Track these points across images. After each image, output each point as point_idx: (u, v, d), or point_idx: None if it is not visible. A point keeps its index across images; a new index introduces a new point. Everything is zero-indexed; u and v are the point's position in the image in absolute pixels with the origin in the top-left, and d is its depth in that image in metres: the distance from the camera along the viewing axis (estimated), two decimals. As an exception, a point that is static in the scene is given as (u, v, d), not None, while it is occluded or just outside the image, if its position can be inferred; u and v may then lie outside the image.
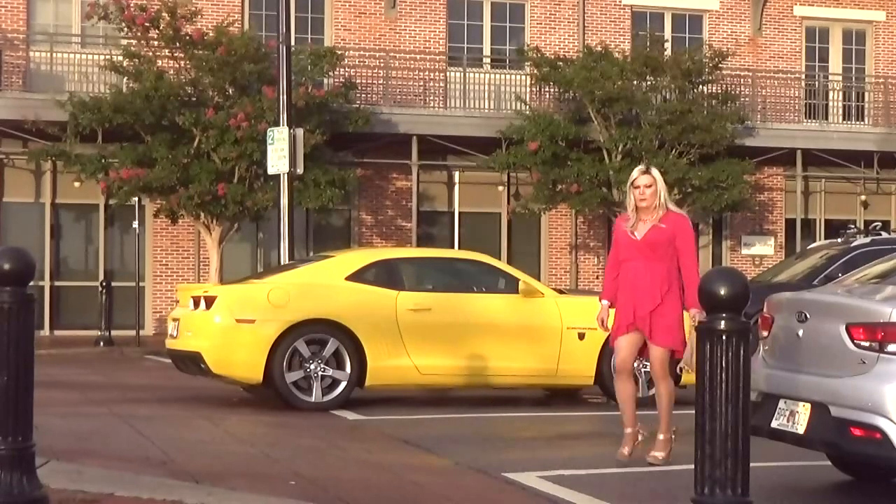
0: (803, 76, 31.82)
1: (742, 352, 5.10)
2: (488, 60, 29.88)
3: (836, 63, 32.26)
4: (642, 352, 9.43)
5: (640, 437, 9.37)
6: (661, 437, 9.32)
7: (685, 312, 9.35)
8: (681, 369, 10.70)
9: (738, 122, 28.11)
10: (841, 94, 31.92)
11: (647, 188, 9.23)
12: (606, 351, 13.75)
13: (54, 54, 26.52)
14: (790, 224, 30.74)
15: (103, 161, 24.47)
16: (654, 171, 9.32)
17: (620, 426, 9.54)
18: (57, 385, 14.95)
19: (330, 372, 13.07)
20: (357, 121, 25.98)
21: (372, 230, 29.04)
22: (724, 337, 5.08)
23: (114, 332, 24.11)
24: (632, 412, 9.41)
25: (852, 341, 7.40)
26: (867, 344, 7.31)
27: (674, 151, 27.09)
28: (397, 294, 13.49)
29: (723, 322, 5.09)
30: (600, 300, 9.60)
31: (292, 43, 21.37)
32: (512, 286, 13.92)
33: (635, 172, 9.38)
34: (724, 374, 5.07)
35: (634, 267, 9.25)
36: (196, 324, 13.40)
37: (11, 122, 25.28)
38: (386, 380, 13.37)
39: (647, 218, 9.27)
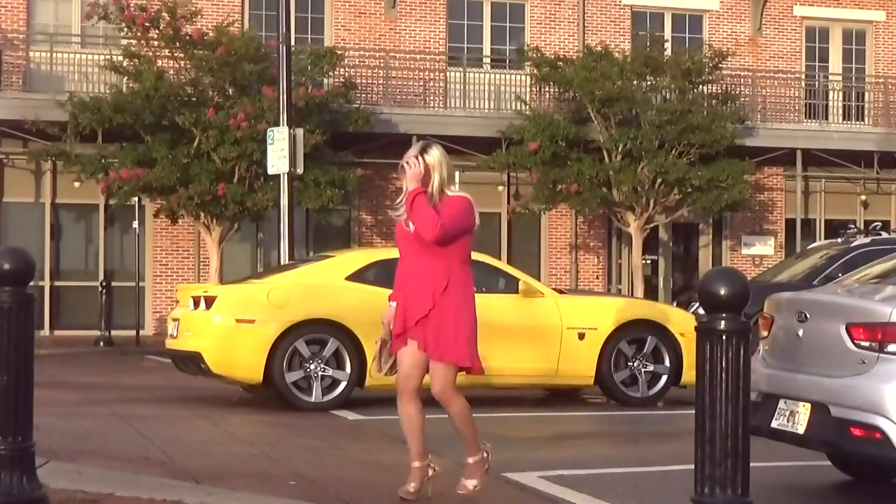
0: (803, 76, 31.81)
1: (742, 352, 5.10)
2: (488, 60, 29.88)
3: (836, 63, 32.26)
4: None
5: (430, 473, 7.71)
6: (470, 460, 7.73)
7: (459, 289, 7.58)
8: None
9: (738, 122, 28.10)
10: (841, 94, 31.91)
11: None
12: (606, 351, 13.77)
13: (54, 54, 26.52)
14: (790, 224, 30.74)
15: (103, 161, 24.47)
16: (433, 152, 7.50)
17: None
18: (57, 385, 14.94)
19: (330, 372, 13.06)
20: (357, 121, 25.98)
21: (372, 230, 29.04)
22: (724, 337, 5.08)
23: (114, 333, 24.10)
24: (419, 442, 7.76)
25: (852, 341, 7.39)
26: (867, 344, 7.31)
27: (674, 151, 27.07)
28: (397, 294, 13.46)
29: (723, 322, 5.09)
30: (389, 301, 7.92)
31: (292, 43, 21.38)
32: (512, 286, 13.88)
33: (409, 153, 7.58)
34: (724, 374, 5.07)
35: (409, 265, 7.62)
36: (196, 324, 13.39)
37: (11, 122, 25.27)
38: (386, 380, 13.31)
39: None
